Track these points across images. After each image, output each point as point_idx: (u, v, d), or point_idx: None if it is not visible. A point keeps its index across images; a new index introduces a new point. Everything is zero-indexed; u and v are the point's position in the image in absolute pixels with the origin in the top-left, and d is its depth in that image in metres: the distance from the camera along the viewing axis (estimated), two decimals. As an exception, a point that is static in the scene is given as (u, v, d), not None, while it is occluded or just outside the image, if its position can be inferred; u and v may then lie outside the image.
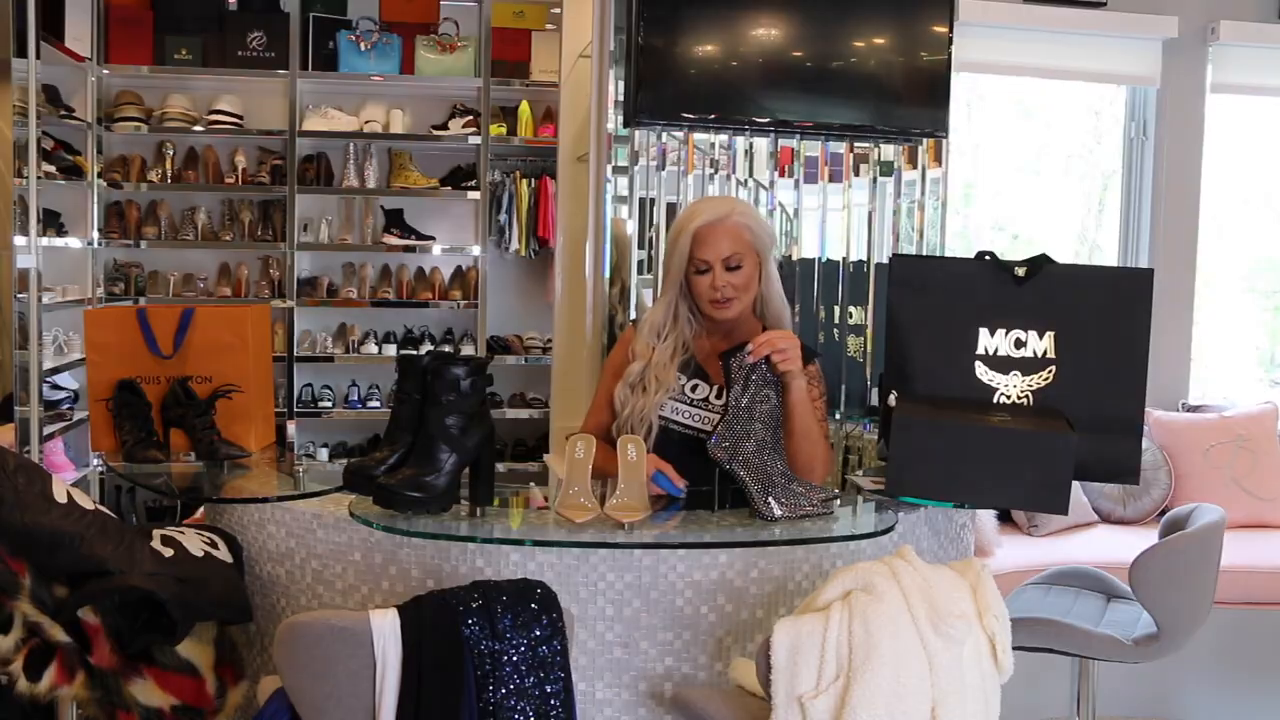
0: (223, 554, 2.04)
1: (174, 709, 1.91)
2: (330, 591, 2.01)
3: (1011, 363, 2.12)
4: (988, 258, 2.14)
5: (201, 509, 2.46)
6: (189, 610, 1.88)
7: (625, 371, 2.26)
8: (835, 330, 3.36)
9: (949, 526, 2.25)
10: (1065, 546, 3.57)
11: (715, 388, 2.24)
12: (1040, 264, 2.13)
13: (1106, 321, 2.10)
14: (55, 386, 4.27)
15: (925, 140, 3.35)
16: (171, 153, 4.87)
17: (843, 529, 1.99)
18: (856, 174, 3.39)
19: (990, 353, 2.13)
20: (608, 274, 3.29)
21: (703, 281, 2.20)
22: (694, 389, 2.25)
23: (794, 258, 3.36)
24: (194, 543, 1.98)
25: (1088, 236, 4.78)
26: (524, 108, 4.91)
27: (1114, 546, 3.49)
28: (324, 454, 5.02)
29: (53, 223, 4.44)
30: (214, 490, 2.29)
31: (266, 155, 4.93)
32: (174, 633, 1.88)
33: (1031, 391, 2.12)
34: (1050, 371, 2.11)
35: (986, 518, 3.51)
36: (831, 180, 3.37)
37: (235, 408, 2.43)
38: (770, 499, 1.94)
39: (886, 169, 3.38)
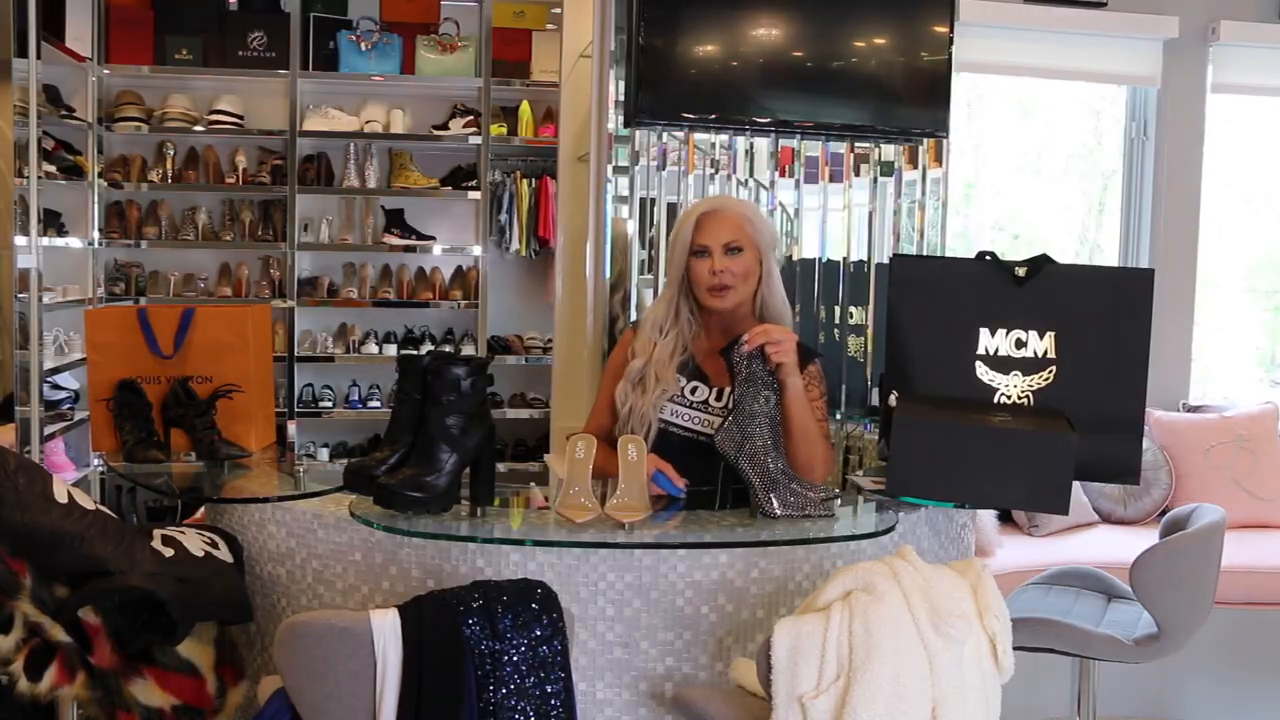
0: (223, 554, 2.04)
1: (174, 709, 1.91)
2: (331, 591, 2.01)
3: (1012, 363, 2.12)
4: (988, 258, 2.14)
5: (202, 509, 2.46)
6: (189, 610, 1.88)
7: (627, 369, 2.26)
8: (836, 330, 3.36)
9: (949, 526, 2.25)
10: (1066, 546, 3.57)
11: (714, 390, 2.24)
12: (1041, 264, 2.13)
13: (1107, 322, 2.10)
14: (56, 386, 4.28)
15: (926, 140, 3.35)
16: (172, 153, 4.87)
17: (843, 529, 1.99)
18: (857, 174, 3.39)
19: (991, 353, 2.13)
20: (608, 274, 3.29)
21: (701, 266, 2.21)
22: (693, 391, 2.25)
23: (794, 258, 3.36)
24: (194, 543, 1.98)
25: (1088, 236, 4.78)
26: (524, 108, 4.91)
27: (1114, 546, 3.49)
28: (324, 454, 5.02)
29: (53, 223, 4.44)
30: (214, 490, 2.30)
31: (267, 155, 4.93)
32: (174, 633, 1.88)
33: (1032, 391, 2.12)
34: (1050, 371, 2.11)
35: (987, 518, 3.51)
36: (832, 180, 3.37)
37: (236, 408, 2.43)
38: (772, 496, 1.94)
39: (887, 169, 3.39)
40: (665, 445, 2.18)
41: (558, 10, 4.11)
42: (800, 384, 2.10)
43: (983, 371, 2.13)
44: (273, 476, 2.37)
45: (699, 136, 3.26)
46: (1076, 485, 2.70)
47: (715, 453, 2.03)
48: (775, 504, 1.93)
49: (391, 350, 4.99)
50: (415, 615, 1.63)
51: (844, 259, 3.39)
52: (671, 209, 3.24)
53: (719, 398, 2.23)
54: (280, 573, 2.07)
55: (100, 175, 4.73)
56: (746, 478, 1.98)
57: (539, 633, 1.65)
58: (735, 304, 2.23)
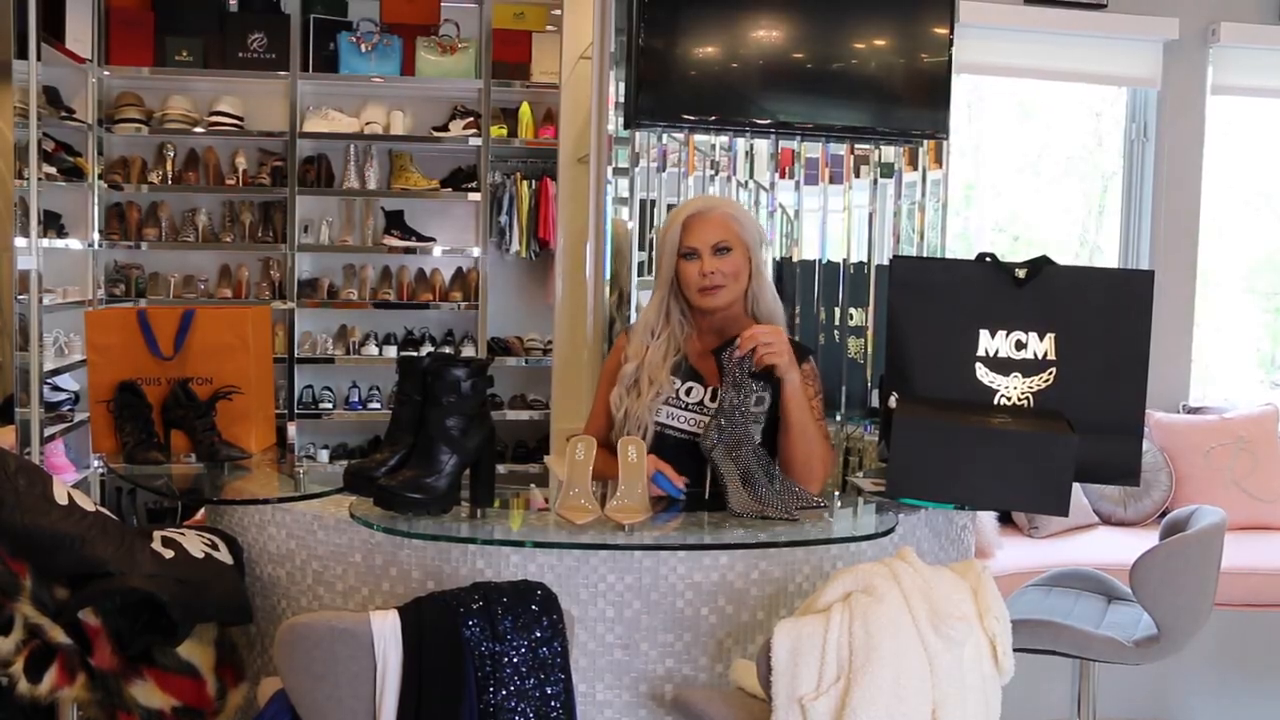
0: (223, 555, 2.04)
1: (174, 710, 1.91)
2: (331, 593, 2.02)
3: (1012, 364, 2.12)
4: (988, 259, 2.14)
5: (202, 510, 2.46)
6: (189, 611, 1.89)
7: (620, 373, 2.26)
8: (836, 332, 3.36)
9: (949, 528, 2.25)
10: (1066, 548, 3.57)
11: (709, 390, 2.24)
12: (1040, 265, 2.13)
13: (1107, 323, 2.10)
14: (56, 388, 4.28)
15: (926, 141, 3.35)
16: (172, 154, 4.88)
17: (843, 530, 1.99)
18: (857, 175, 3.39)
19: (991, 354, 2.13)
20: (608, 276, 3.29)
21: (691, 268, 2.22)
22: (688, 392, 2.25)
23: (795, 259, 3.36)
24: (194, 544, 1.99)
25: (1088, 238, 4.78)
26: (524, 109, 4.91)
27: (1114, 548, 3.49)
28: (324, 455, 5.02)
29: (53, 224, 4.44)
30: (214, 492, 2.30)
31: (267, 157, 4.93)
32: (174, 634, 1.88)
33: (1032, 393, 2.12)
34: (1051, 373, 2.11)
35: (987, 519, 3.51)
36: (832, 182, 3.37)
37: (236, 409, 2.43)
38: (742, 494, 1.95)
39: (887, 170, 3.38)
40: (662, 447, 2.18)
41: (558, 12, 4.11)
42: (798, 379, 2.11)
43: (983, 373, 2.13)
44: (273, 478, 2.37)
45: (699, 138, 3.26)
46: (1076, 487, 2.70)
47: None
48: (740, 501, 1.94)
49: (391, 352, 4.99)
50: (415, 617, 1.63)
51: (844, 260, 3.39)
52: (671, 210, 3.24)
53: (714, 398, 2.23)
54: (280, 574, 2.08)
55: (100, 177, 4.74)
56: (718, 472, 1.99)
57: (539, 634, 1.65)
58: (727, 303, 2.23)
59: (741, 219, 2.26)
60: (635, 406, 2.22)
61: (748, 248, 2.24)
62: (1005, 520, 3.71)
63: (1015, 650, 1.72)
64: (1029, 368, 2.12)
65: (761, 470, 2.02)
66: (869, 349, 3.34)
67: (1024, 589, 2.66)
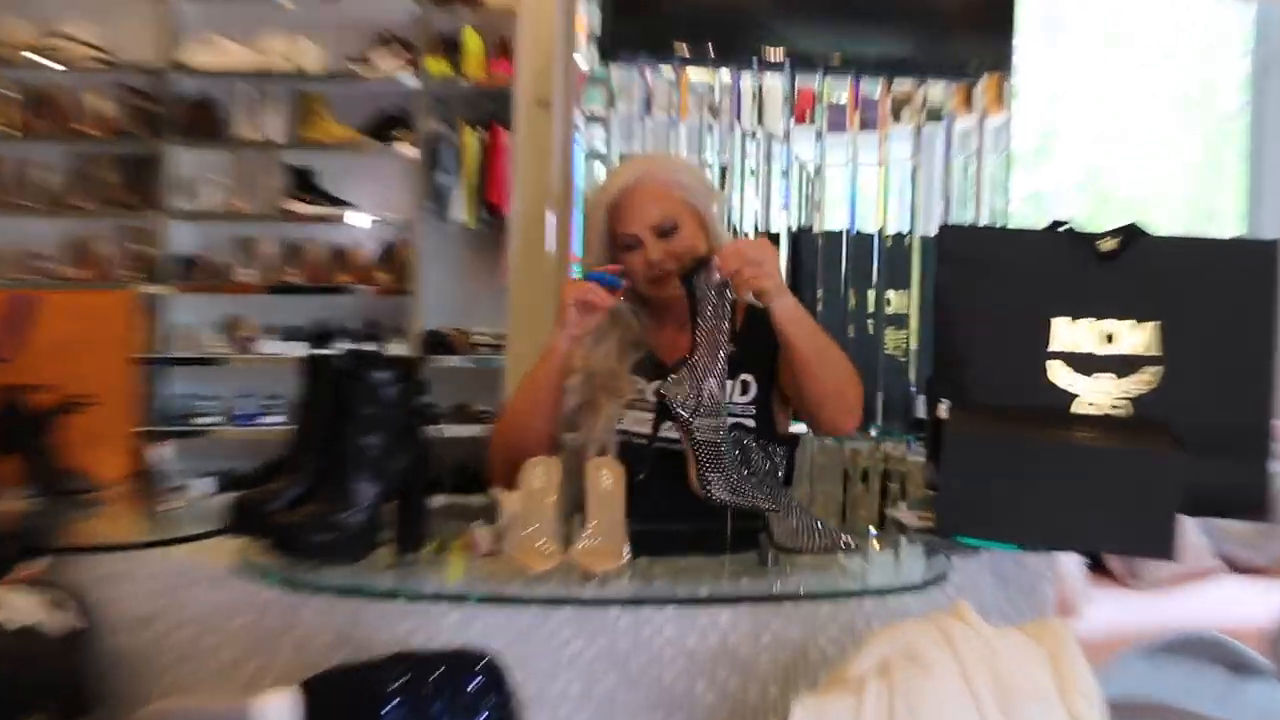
0: (58, 622, 2.01)
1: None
2: (206, 669, 2.00)
3: (1098, 362, 2.13)
4: (1065, 228, 2.14)
5: (41, 561, 2.44)
6: (2, 705, 1.85)
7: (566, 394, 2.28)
8: (869, 321, 3.39)
9: (1020, 576, 2.24)
10: (1178, 603, 3.59)
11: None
12: (1133, 236, 2.13)
13: (1223, 308, 2.11)
14: None
15: (984, 78, 3.38)
16: (4, 93, 4.86)
17: (881, 579, 2.00)
18: (896, 121, 3.42)
19: (1069, 350, 2.13)
20: (579, 251, 3.29)
21: (635, 259, 2.24)
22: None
23: (816, 229, 3.38)
24: (18, 608, 1.95)
25: (1201, 200, 4.81)
26: (471, 38, 4.94)
27: (1244, 604, 3.51)
28: (204, 485, 5.00)
29: None
30: (54, 537, 2.27)
31: (133, 97, 4.93)
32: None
33: (1128, 400, 2.12)
34: (1151, 373, 2.11)
35: (1071, 565, 3.52)
36: (864, 129, 3.40)
37: (86, 425, 2.42)
38: (715, 475, 1.96)
39: (934, 115, 3.41)
40: (631, 462, 2.17)
41: (511, -88, 4.13)
42: (792, 301, 2.09)
43: (1059, 373, 2.13)
44: (132, 516, 2.37)
45: (694, 75, 3.28)
46: (1189, 523, 2.71)
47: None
48: (716, 485, 1.94)
49: (296, 349, 4.98)
50: (320, 699, 1.62)
51: (879, 231, 3.43)
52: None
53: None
54: (138, 644, 2.06)
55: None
56: (691, 441, 1.98)
57: (483, 719, 1.64)
58: None
59: (681, 179, 2.26)
60: (595, 425, 2.23)
61: (697, 212, 2.26)
62: (1096, 566, 3.73)
63: (1109, 738, 1.72)
64: (1121, 366, 2.12)
65: (735, 450, 2.01)
66: (912, 344, 3.37)
67: (1122, 658, 2.65)
